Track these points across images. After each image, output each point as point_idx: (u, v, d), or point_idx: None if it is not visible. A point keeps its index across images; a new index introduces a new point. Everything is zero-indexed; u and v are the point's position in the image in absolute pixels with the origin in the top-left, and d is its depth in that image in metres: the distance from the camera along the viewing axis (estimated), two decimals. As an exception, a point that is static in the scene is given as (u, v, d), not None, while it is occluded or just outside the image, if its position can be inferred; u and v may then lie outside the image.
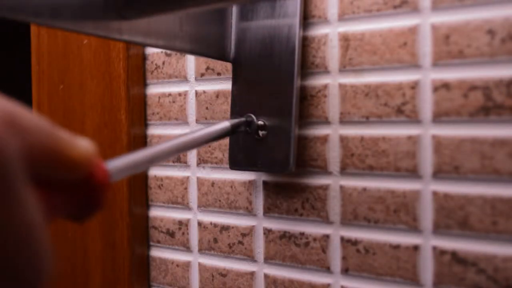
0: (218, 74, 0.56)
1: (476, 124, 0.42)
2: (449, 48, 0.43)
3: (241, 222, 0.54)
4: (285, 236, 0.51)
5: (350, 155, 0.47)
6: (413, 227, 0.45)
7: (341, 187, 0.48)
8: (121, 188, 0.59)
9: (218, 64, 0.55)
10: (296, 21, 0.47)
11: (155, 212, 0.61)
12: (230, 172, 0.55)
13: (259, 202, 0.53)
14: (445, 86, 0.43)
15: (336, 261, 0.48)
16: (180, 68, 0.58)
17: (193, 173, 0.58)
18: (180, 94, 0.58)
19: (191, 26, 0.46)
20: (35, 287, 0.18)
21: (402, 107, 0.45)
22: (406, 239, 0.45)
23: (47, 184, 0.20)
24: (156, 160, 0.34)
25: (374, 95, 0.46)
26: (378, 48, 0.46)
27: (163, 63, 0.60)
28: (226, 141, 0.55)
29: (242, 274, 0.54)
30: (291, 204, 0.51)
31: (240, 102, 0.50)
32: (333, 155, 0.48)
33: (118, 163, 0.30)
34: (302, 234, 0.50)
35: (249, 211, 0.53)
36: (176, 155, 0.42)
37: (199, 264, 0.57)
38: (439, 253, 0.44)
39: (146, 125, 0.61)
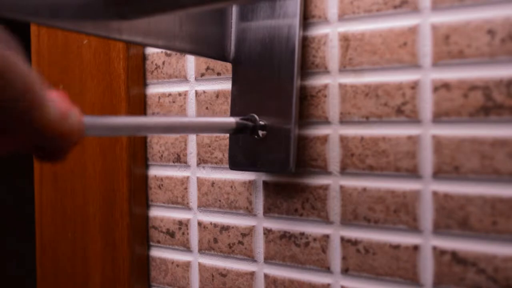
0: (218, 74, 0.56)
1: (476, 124, 0.42)
2: (449, 48, 0.43)
3: (241, 222, 0.54)
4: (285, 236, 0.51)
5: (350, 155, 0.47)
6: (413, 227, 0.45)
7: (341, 187, 0.48)
8: (121, 188, 0.59)
9: (218, 64, 0.55)
10: (296, 21, 0.47)
11: (155, 212, 0.61)
12: (230, 172, 0.55)
13: (259, 202, 0.53)
14: (445, 86, 0.43)
15: (336, 261, 0.48)
16: (180, 68, 0.58)
17: (193, 173, 0.58)
18: (180, 94, 0.58)
19: (191, 26, 0.46)
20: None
21: (402, 107, 0.45)
22: (406, 239, 0.45)
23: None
24: (140, 129, 0.34)
25: (374, 95, 0.46)
26: (378, 48, 0.46)
27: (163, 63, 0.60)
28: (226, 141, 0.55)
29: (242, 274, 0.54)
30: (291, 204, 0.51)
31: (240, 102, 0.50)
32: (333, 155, 0.48)
33: (95, 119, 0.30)
34: (302, 234, 0.50)
35: (249, 211, 0.53)
36: (170, 132, 0.42)
37: (199, 264, 0.57)
38: (439, 253, 0.44)
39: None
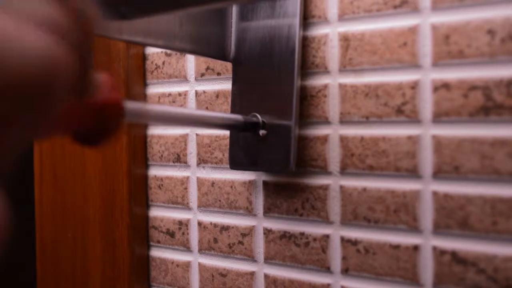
0: (218, 74, 0.56)
1: (476, 124, 0.42)
2: (449, 48, 0.43)
3: (241, 222, 0.54)
4: (285, 236, 0.51)
5: (350, 155, 0.47)
6: (413, 227, 0.45)
7: (341, 187, 0.48)
8: (121, 188, 0.59)
9: (218, 64, 0.55)
10: (296, 20, 0.47)
11: (155, 212, 0.61)
12: (230, 172, 0.55)
13: (259, 202, 0.53)
14: (445, 86, 0.43)
15: (336, 261, 0.48)
16: (180, 68, 0.58)
17: (193, 173, 0.58)
18: (180, 94, 0.58)
19: (191, 26, 0.46)
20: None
21: (402, 107, 0.45)
22: (406, 239, 0.45)
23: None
24: (167, 120, 0.36)
25: (374, 95, 0.46)
26: (378, 48, 0.46)
27: (163, 63, 0.60)
28: (226, 141, 0.55)
29: (242, 274, 0.54)
30: (291, 204, 0.51)
31: (240, 101, 0.50)
32: (333, 155, 0.48)
33: (135, 105, 0.31)
34: (302, 234, 0.50)
35: (249, 211, 0.53)
36: (187, 125, 0.44)
37: (199, 264, 0.57)
38: (439, 253, 0.44)
39: (146, 125, 0.61)
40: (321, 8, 0.48)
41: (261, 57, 0.49)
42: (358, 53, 0.47)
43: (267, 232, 0.52)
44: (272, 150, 0.48)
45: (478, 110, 0.42)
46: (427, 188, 0.44)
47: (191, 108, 0.58)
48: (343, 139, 0.48)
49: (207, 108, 0.56)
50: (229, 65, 0.54)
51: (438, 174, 0.43)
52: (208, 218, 0.56)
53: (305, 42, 0.49)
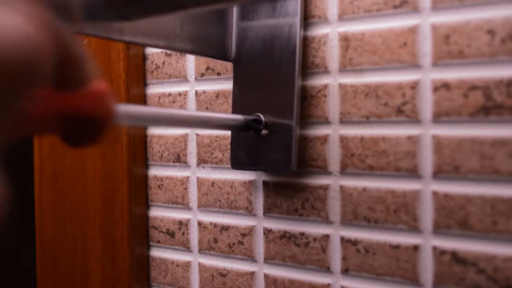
0: (218, 74, 0.56)
1: (476, 124, 0.42)
2: (449, 48, 0.43)
3: (241, 222, 0.54)
4: (285, 236, 0.51)
5: (350, 155, 0.47)
6: (413, 227, 0.45)
7: (341, 187, 0.48)
8: (121, 188, 0.59)
9: (218, 64, 0.55)
10: (297, 19, 0.47)
11: (155, 212, 0.61)
12: (230, 172, 0.55)
13: (259, 202, 0.53)
14: (445, 86, 0.43)
15: (336, 261, 0.48)
16: (180, 68, 0.58)
17: (193, 173, 0.58)
18: (180, 94, 0.58)
19: (191, 26, 0.46)
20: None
21: (402, 107, 0.45)
22: (406, 239, 0.45)
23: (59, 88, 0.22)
24: (161, 121, 0.35)
25: (374, 95, 0.46)
26: (378, 48, 0.46)
27: (163, 63, 0.60)
28: (226, 141, 0.55)
29: (242, 274, 0.54)
30: (291, 204, 0.51)
31: (241, 101, 0.50)
32: (333, 155, 0.48)
33: (127, 108, 0.31)
34: (302, 234, 0.50)
35: (249, 211, 0.53)
36: (183, 126, 0.43)
37: (199, 264, 0.57)
38: (439, 253, 0.44)
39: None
40: (321, 8, 0.48)
41: (262, 56, 0.49)
42: (358, 53, 0.47)
43: (267, 232, 0.52)
44: (273, 149, 0.48)
45: (478, 110, 0.42)
46: (427, 188, 0.44)
47: (191, 108, 0.58)
48: (343, 139, 0.48)
49: (207, 108, 0.56)
50: (229, 65, 0.54)
51: (438, 174, 0.43)
52: (208, 218, 0.57)
53: (305, 42, 0.49)
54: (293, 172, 0.49)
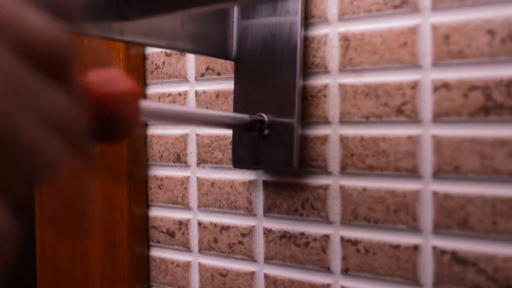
0: (218, 74, 0.56)
1: (476, 124, 0.42)
2: (449, 48, 0.43)
3: (241, 222, 0.54)
4: (285, 236, 0.51)
5: (350, 155, 0.47)
6: (413, 227, 0.45)
7: (341, 187, 0.48)
8: (121, 188, 0.59)
9: (218, 64, 0.55)
10: (298, 18, 0.47)
11: (155, 212, 0.61)
12: (230, 172, 0.55)
13: (259, 202, 0.53)
14: (445, 86, 0.43)
15: (336, 261, 0.48)
16: (180, 68, 0.58)
17: (193, 173, 0.58)
18: (180, 94, 0.58)
19: (192, 25, 0.46)
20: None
21: (402, 107, 0.45)
22: (406, 239, 0.45)
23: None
24: (180, 119, 0.37)
25: (374, 95, 0.46)
26: (378, 48, 0.46)
27: (163, 63, 0.60)
28: (226, 141, 0.55)
29: (242, 274, 0.54)
30: (291, 204, 0.51)
31: (242, 100, 0.50)
32: (333, 155, 0.48)
33: (152, 105, 0.31)
34: (302, 234, 0.50)
35: (249, 211, 0.53)
36: (193, 124, 0.45)
37: (199, 264, 0.57)
38: (439, 253, 0.44)
39: (146, 124, 0.61)
40: (321, 8, 0.48)
41: (263, 55, 0.49)
42: (358, 53, 0.47)
43: (267, 232, 0.52)
44: (275, 148, 0.48)
45: (478, 110, 0.42)
46: (427, 188, 0.44)
47: (192, 108, 0.58)
48: (343, 139, 0.48)
49: (207, 108, 0.56)
50: (229, 65, 0.54)
51: (438, 174, 0.43)
52: (208, 218, 0.57)
53: (305, 42, 0.49)
54: (294, 171, 0.49)
